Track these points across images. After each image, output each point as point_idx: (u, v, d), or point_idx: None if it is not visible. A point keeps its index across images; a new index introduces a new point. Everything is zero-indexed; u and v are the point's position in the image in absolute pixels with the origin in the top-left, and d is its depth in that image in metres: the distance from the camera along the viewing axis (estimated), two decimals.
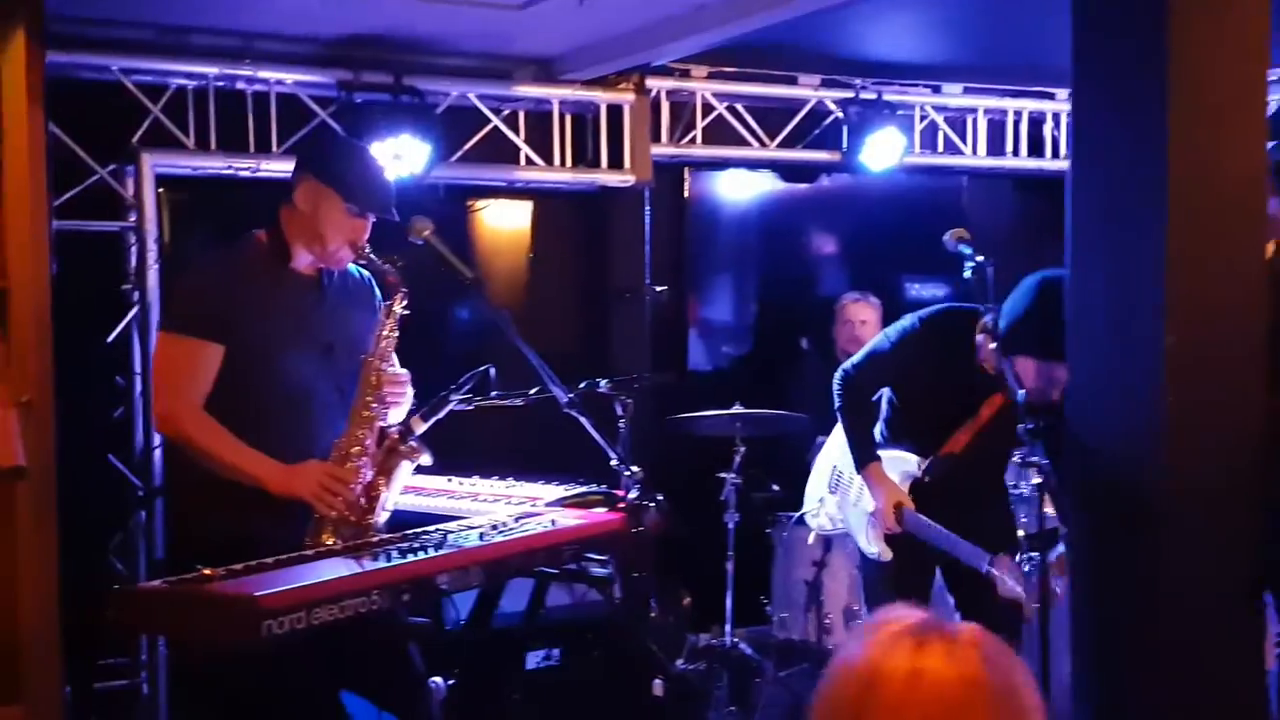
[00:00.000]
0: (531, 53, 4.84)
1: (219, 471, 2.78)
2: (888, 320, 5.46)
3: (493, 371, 3.19)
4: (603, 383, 3.62)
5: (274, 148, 4.47)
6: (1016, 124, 6.05)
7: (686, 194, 5.61)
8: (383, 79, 4.52)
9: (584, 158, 5.16)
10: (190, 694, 3.03)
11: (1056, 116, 6.12)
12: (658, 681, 3.87)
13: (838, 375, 3.58)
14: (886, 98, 5.51)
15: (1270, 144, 2.58)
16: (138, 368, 4.29)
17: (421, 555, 2.63)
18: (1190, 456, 2.44)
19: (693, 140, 5.35)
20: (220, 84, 4.38)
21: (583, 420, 3.02)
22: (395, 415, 2.99)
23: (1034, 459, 2.70)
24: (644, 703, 3.89)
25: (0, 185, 3.47)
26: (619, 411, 3.58)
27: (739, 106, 5.44)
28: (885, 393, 3.65)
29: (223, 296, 2.82)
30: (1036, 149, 6.13)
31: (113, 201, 4.31)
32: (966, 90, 5.88)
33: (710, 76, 5.31)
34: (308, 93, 4.54)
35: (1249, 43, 2.50)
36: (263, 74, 4.40)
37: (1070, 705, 2.69)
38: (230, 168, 4.34)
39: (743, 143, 5.47)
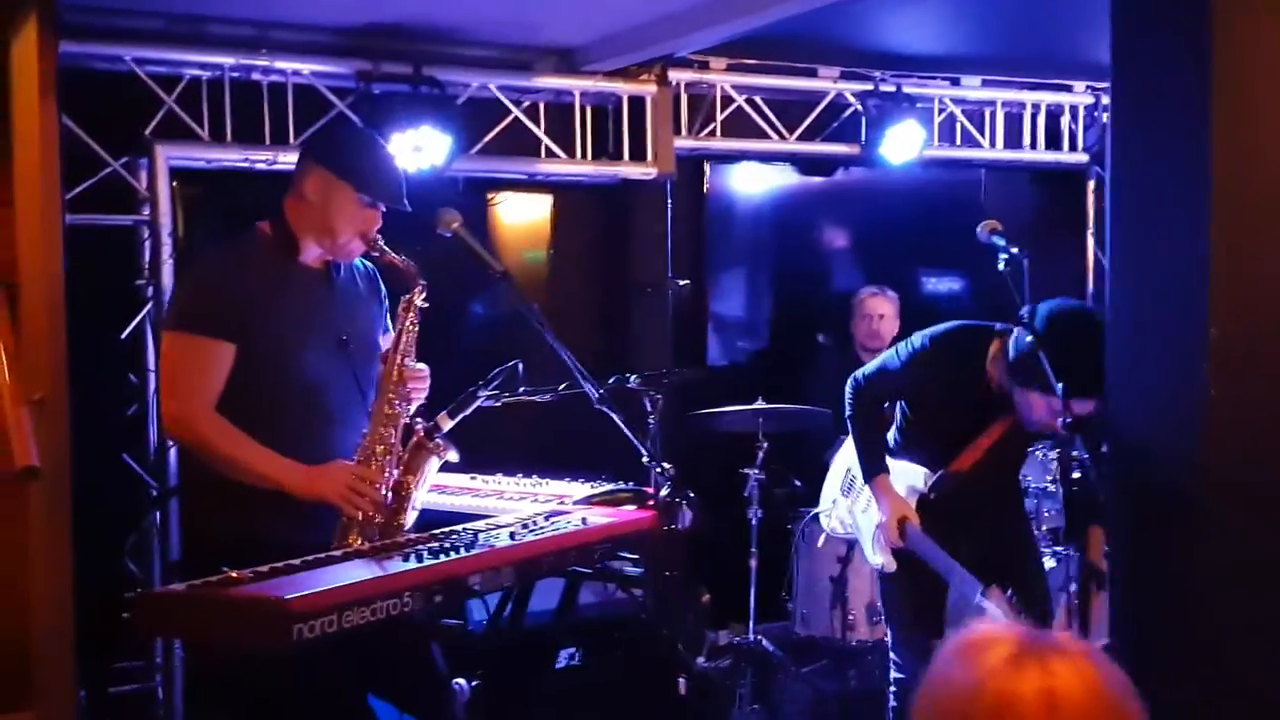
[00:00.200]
0: (552, 43, 4.76)
1: (236, 476, 2.69)
2: (906, 315, 5.46)
3: (520, 367, 3.12)
4: (632, 378, 3.54)
5: (291, 139, 4.38)
6: (1034, 117, 5.99)
7: (706, 187, 5.53)
8: (402, 69, 4.43)
9: (604, 150, 5.07)
10: (210, 699, 2.94)
11: (1074, 109, 6.08)
12: (682, 680, 3.81)
13: (850, 383, 3.54)
14: (906, 90, 5.44)
15: None
16: (151, 364, 4.21)
17: (453, 555, 2.55)
18: (1231, 451, 2.39)
19: (712, 133, 5.26)
20: (235, 75, 4.29)
21: (614, 416, 2.93)
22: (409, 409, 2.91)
23: (1074, 453, 2.63)
24: (668, 702, 3.83)
25: (11, 179, 3.39)
26: (648, 407, 3.49)
27: (758, 99, 5.36)
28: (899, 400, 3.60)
29: (232, 292, 2.72)
30: (1054, 142, 6.07)
31: (125, 195, 4.22)
32: (985, 83, 5.81)
33: (729, 69, 5.23)
34: (325, 84, 4.45)
35: None
36: (279, 64, 4.32)
37: None
38: (246, 160, 4.25)
39: (762, 136, 5.39)
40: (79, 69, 3.98)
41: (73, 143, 3.91)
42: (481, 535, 2.71)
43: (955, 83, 5.76)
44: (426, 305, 2.90)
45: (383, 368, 2.89)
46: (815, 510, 4.65)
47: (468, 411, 3.03)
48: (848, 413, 3.53)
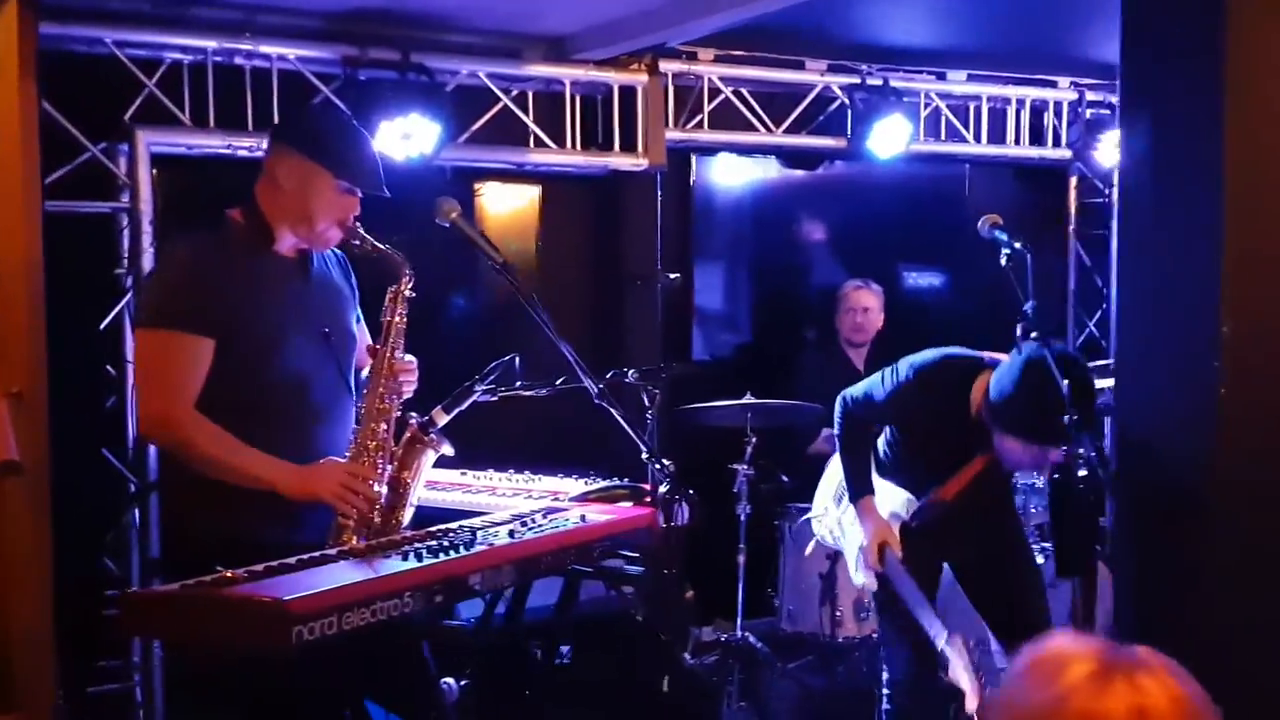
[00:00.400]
0: (543, 31, 4.68)
1: (223, 478, 2.59)
2: (890, 308, 5.44)
3: (517, 361, 3.05)
4: (630, 373, 3.48)
5: None
6: (1018, 112, 5.99)
7: (693, 180, 5.47)
8: (390, 56, 4.33)
9: (593, 141, 5.00)
10: (196, 701, 2.85)
11: (1058, 105, 6.07)
12: (672, 678, 3.77)
13: (839, 402, 3.51)
14: (892, 84, 5.41)
15: None
16: (130, 356, 4.09)
17: (452, 555, 2.48)
18: (1241, 450, 2.38)
19: (699, 124, 5.20)
20: (219, 59, 4.18)
21: (614, 412, 2.86)
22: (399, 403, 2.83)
23: (1079, 450, 2.61)
24: (657, 700, 3.79)
25: None
26: (646, 402, 3.44)
27: (744, 91, 5.31)
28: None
29: (208, 285, 2.60)
30: (1037, 138, 6.07)
31: (104, 181, 4.11)
32: (970, 78, 5.80)
33: (717, 60, 5.18)
34: (311, 69, 4.35)
35: None
36: (264, 49, 4.21)
37: None
38: (229, 146, 4.14)
39: (748, 128, 5.34)
40: (57, 50, 3.86)
41: (49, 126, 3.79)
42: (480, 533, 2.64)
43: (941, 77, 5.75)
44: (414, 294, 2.82)
45: (372, 361, 2.81)
46: (803, 507, 4.64)
47: (463, 406, 2.96)
48: (835, 431, 3.51)
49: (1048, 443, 2.86)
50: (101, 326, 4.13)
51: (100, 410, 4.14)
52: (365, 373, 2.87)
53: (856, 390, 3.46)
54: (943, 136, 5.83)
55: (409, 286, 2.80)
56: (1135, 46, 2.39)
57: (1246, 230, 2.31)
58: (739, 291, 5.98)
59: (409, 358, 2.84)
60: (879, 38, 5.25)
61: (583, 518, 2.85)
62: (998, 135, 5.97)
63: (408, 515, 2.82)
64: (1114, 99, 6.10)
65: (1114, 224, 6.30)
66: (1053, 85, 6.02)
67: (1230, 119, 2.22)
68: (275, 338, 2.67)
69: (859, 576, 3.52)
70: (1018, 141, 6.02)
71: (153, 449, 4.04)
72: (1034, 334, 2.91)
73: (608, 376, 3.36)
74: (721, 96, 5.24)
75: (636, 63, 4.94)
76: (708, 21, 4.34)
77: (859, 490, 3.44)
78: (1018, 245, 2.95)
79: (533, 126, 4.83)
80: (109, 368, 4.15)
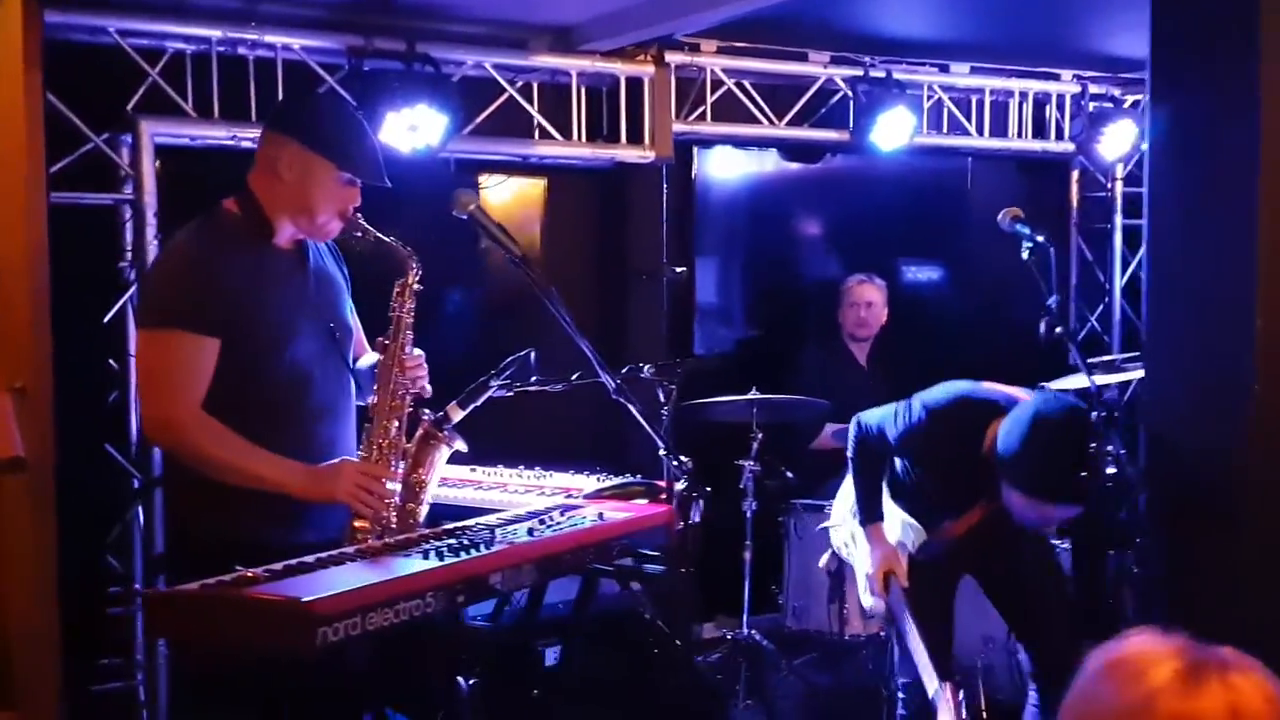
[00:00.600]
0: (549, 21, 4.62)
1: (233, 481, 2.52)
2: (892, 303, 5.40)
3: (533, 356, 3.01)
4: (645, 368, 3.44)
5: None
6: (1021, 105, 5.96)
7: (695, 173, 5.43)
8: (395, 46, 4.28)
9: (598, 133, 4.95)
10: (203, 703, 2.79)
11: (1061, 98, 6.05)
12: (682, 676, 3.75)
13: (853, 425, 3.41)
14: (895, 76, 5.37)
15: None
16: (133, 350, 4.03)
17: (474, 554, 2.44)
18: (1275, 446, 2.33)
19: (701, 117, 5.15)
20: (222, 49, 4.12)
21: (631, 408, 2.83)
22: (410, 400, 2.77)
23: (1108, 448, 2.58)
24: (667, 697, 3.76)
25: None
26: (661, 398, 3.40)
27: (747, 83, 5.26)
28: None
29: (211, 283, 2.53)
30: (1039, 131, 6.05)
31: (106, 172, 4.04)
32: (974, 70, 5.77)
33: (720, 51, 5.13)
34: (315, 59, 4.29)
35: None
36: (268, 38, 4.15)
37: None
38: (234, 137, 4.08)
39: (751, 120, 5.29)
40: (60, 40, 3.80)
41: (52, 117, 3.71)
42: (499, 531, 2.60)
43: (944, 69, 5.71)
44: (421, 287, 2.76)
45: (381, 357, 2.75)
46: (809, 504, 4.64)
47: (479, 402, 2.92)
48: (850, 453, 3.42)
49: (1051, 502, 2.79)
50: (105, 320, 4.07)
51: (103, 405, 4.08)
52: (361, 363, 2.82)
53: (871, 419, 3.36)
54: (945, 130, 5.80)
55: (417, 279, 2.75)
56: (1164, 34, 2.34)
57: None
58: (740, 286, 5.94)
59: (418, 352, 2.79)
60: (882, 29, 5.21)
61: (600, 516, 2.82)
62: (1000, 128, 5.94)
63: (423, 513, 2.78)
64: (1117, 91, 6.08)
65: (1116, 219, 6.30)
66: (1055, 78, 5.99)
67: (1267, 108, 2.18)
68: (281, 335, 2.61)
69: (867, 599, 3.47)
70: (1020, 135, 5.98)
71: None
72: (1058, 329, 2.87)
73: (622, 372, 3.32)
74: (724, 88, 5.19)
75: (643, 53, 4.89)
76: (715, 12, 4.30)
77: (869, 516, 3.37)
78: (1040, 239, 2.90)
79: (538, 117, 4.78)
80: (111, 362, 4.09)
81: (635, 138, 4.94)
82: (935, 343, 5.85)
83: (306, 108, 2.95)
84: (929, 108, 5.68)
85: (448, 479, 3.18)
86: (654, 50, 4.90)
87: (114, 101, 3.99)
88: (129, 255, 4.04)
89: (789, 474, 4.79)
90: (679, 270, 4.97)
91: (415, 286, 2.76)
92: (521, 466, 3.35)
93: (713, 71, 5.14)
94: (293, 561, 2.31)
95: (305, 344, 2.65)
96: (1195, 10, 2.35)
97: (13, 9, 3.14)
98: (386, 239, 2.71)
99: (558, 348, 3.04)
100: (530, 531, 2.63)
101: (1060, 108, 6.08)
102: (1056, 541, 3.99)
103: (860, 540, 3.47)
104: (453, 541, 2.49)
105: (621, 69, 4.87)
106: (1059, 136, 6.09)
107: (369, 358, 2.85)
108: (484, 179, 4.90)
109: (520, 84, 4.74)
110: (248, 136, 4.09)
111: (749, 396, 4.52)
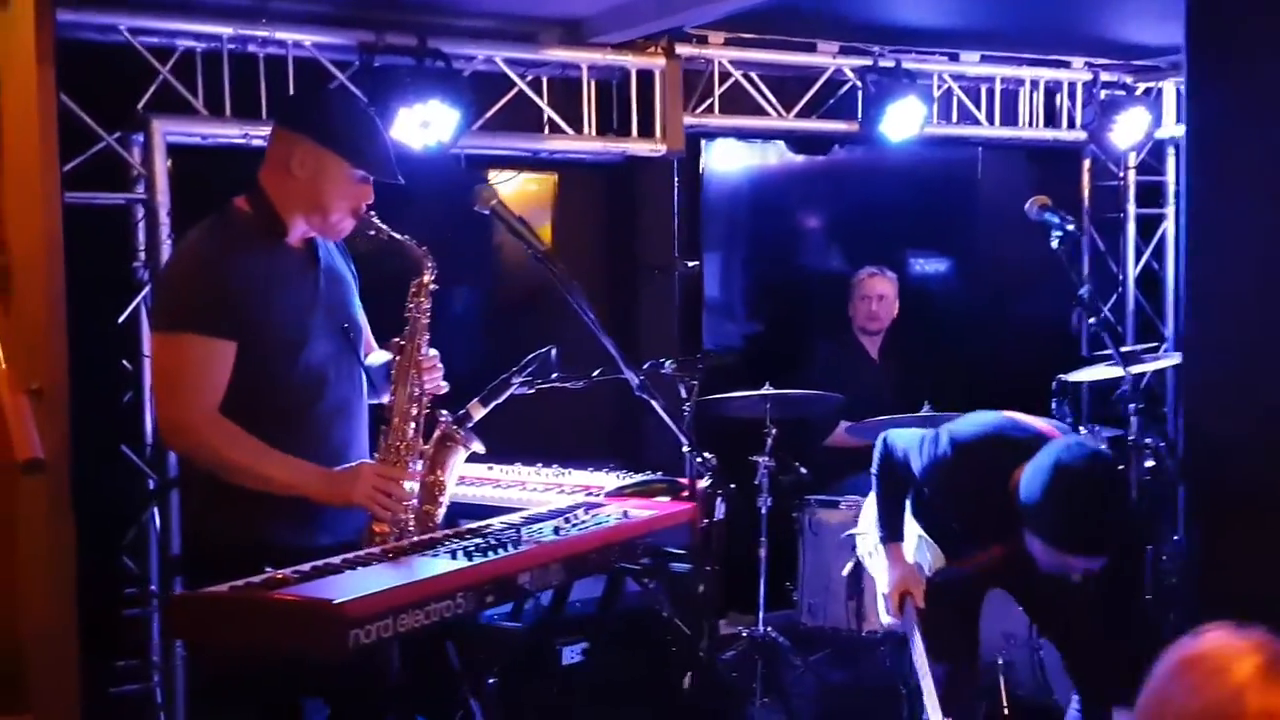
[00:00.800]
0: (559, 14, 4.59)
1: (250, 484, 2.50)
2: (903, 295, 5.36)
3: (554, 353, 2.99)
4: (667, 363, 3.42)
5: None
6: (1032, 94, 5.92)
7: (703, 166, 5.40)
8: (406, 41, 4.24)
9: (608, 127, 4.92)
10: (218, 705, 2.77)
11: (1072, 86, 6.01)
12: (698, 674, 3.73)
13: (880, 442, 3.35)
14: (905, 66, 5.33)
15: None
16: (147, 350, 4.01)
17: (501, 553, 2.42)
18: None
19: (709, 109, 5.12)
20: (233, 46, 4.09)
21: (655, 404, 2.80)
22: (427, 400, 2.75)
23: (1146, 440, 2.55)
24: (684, 696, 3.74)
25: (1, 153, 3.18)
26: (683, 394, 3.37)
27: (754, 75, 5.23)
28: None
29: (226, 284, 2.51)
30: (1050, 120, 6.01)
31: (117, 171, 4.02)
32: (984, 59, 5.73)
33: (728, 43, 5.09)
34: (327, 56, 4.26)
35: None
36: (279, 35, 4.12)
37: None
38: (245, 136, 4.05)
39: (759, 112, 5.26)
40: (71, 38, 3.76)
41: (64, 116, 3.67)
42: (524, 531, 2.59)
43: (954, 58, 5.67)
44: (437, 286, 2.74)
45: (398, 358, 2.72)
46: (823, 499, 4.62)
47: (500, 399, 2.90)
48: (874, 469, 3.36)
49: (1071, 554, 2.74)
50: (119, 321, 4.04)
51: (117, 406, 4.05)
52: (371, 360, 2.79)
53: (898, 443, 3.29)
54: (954, 119, 5.76)
55: (432, 279, 2.73)
56: (1200, 23, 2.31)
57: None
58: (747, 280, 5.91)
59: (434, 352, 2.77)
60: (891, 18, 5.17)
61: (625, 514, 2.80)
62: (1010, 117, 5.90)
63: (441, 515, 2.76)
64: (1129, 79, 6.05)
65: (1129, 208, 6.27)
66: (1066, 66, 5.95)
67: None
68: (296, 337, 2.58)
69: (884, 616, 3.45)
70: (1031, 124, 5.94)
71: None
72: (1091, 319, 2.81)
73: (644, 367, 3.29)
74: (732, 80, 5.16)
75: (653, 46, 4.86)
76: (726, 2, 4.26)
77: (889, 534, 3.33)
78: (1070, 227, 2.86)
79: (549, 111, 4.74)
80: (125, 363, 4.06)
81: (645, 131, 4.91)
82: (946, 335, 5.83)
83: (319, 104, 2.91)
84: (938, 97, 5.65)
85: (465, 477, 3.15)
86: (664, 42, 4.86)
87: (125, 100, 3.97)
88: (142, 255, 4.02)
89: (803, 470, 4.76)
90: (691, 265, 4.93)
91: (431, 286, 2.73)
92: (539, 464, 3.33)
93: (720, 63, 5.11)
94: (319, 562, 2.29)
95: (319, 345, 2.62)
96: (1234, 13, 2.32)
97: (25, 7, 3.11)
98: (401, 238, 2.69)
99: (573, 344, 3.02)
100: (556, 530, 2.62)
101: (1071, 96, 6.04)
102: None
103: (881, 555, 3.44)
104: (479, 541, 2.48)
105: (633, 61, 4.83)
106: (1070, 125, 6.05)
107: (379, 355, 2.83)
108: (494, 174, 4.86)
109: (530, 78, 4.71)
110: (259, 134, 4.06)
111: (763, 392, 4.49)
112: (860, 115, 5.31)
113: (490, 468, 3.33)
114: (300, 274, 2.64)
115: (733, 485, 2.84)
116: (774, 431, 4.49)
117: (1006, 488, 2.90)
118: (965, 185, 6.17)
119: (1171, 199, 6.29)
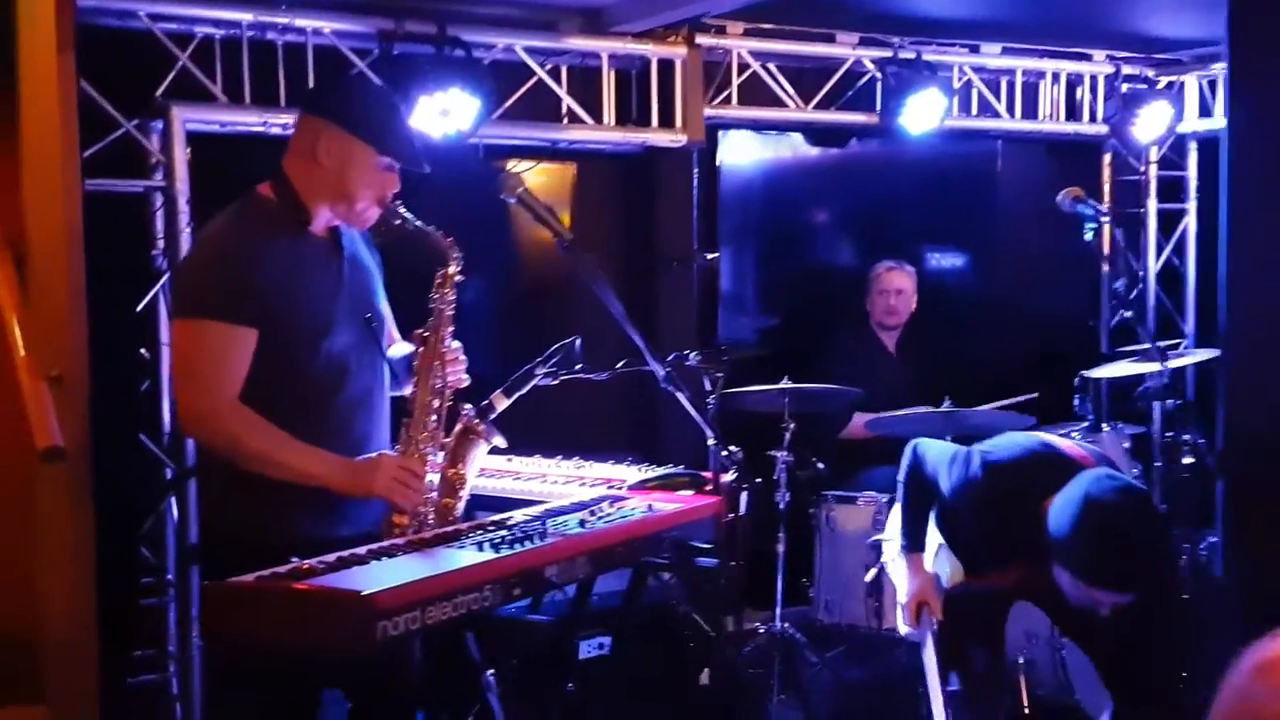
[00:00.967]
0: (579, 2, 4.55)
1: (270, 474, 2.47)
2: (921, 289, 5.32)
3: (578, 344, 2.96)
4: (692, 355, 3.38)
5: None
6: (1053, 86, 5.88)
7: (719, 158, 5.36)
8: (426, 29, 4.21)
9: (627, 117, 4.88)
10: (236, 696, 2.74)
11: (1093, 79, 5.96)
12: (713, 670, 3.71)
13: (909, 451, 3.30)
14: (925, 57, 5.28)
15: None
16: (165, 338, 3.99)
17: (528, 545, 2.39)
18: None
19: (727, 100, 5.07)
20: (253, 33, 4.06)
21: (680, 397, 2.77)
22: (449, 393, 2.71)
23: (1185, 438, 2.51)
24: (700, 691, 3.72)
25: (19, 140, 3.16)
26: (708, 386, 3.34)
27: (772, 66, 5.19)
28: None
29: (247, 272, 2.47)
30: (1071, 112, 5.96)
31: (136, 159, 3.99)
32: (1005, 50, 5.68)
33: (746, 33, 5.05)
34: (346, 44, 4.23)
35: None
36: (299, 22, 4.09)
37: None
38: (265, 123, 4.03)
39: (777, 103, 5.21)
40: (89, 25, 3.73)
41: (83, 103, 3.65)
42: (550, 523, 2.56)
43: (974, 50, 5.62)
44: (462, 277, 2.71)
45: (422, 350, 2.69)
46: (841, 495, 4.58)
47: (524, 390, 2.88)
48: (901, 477, 3.31)
49: (1099, 588, 2.70)
50: (137, 309, 4.02)
51: (135, 395, 4.03)
52: (393, 352, 2.77)
53: (928, 456, 3.23)
54: (974, 111, 5.72)
55: (458, 270, 2.69)
56: (1243, 14, 2.27)
57: None
58: (761, 274, 5.86)
59: (455, 344, 2.74)
60: (912, 9, 5.13)
61: (650, 507, 2.77)
62: (1031, 110, 5.86)
63: (461, 508, 2.73)
64: (1151, 72, 6.00)
65: (1150, 203, 6.22)
66: (1088, 58, 5.91)
67: None
68: (319, 326, 2.55)
69: (902, 626, 3.41)
70: (1052, 116, 5.90)
71: None
72: (1127, 313, 2.79)
73: (668, 360, 3.26)
74: (750, 71, 5.12)
75: (674, 35, 4.82)
76: None
77: (910, 544, 3.30)
78: (1104, 219, 2.80)
79: (568, 100, 4.71)
80: (144, 351, 4.04)
81: (665, 121, 4.87)
82: (964, 330, 5.78)
83: (346, 91, 2.87)
84: (958, 89, 5.61)
85: (485, 469, 3.12)
86: (685, 32, 4.82)
87: (144, 87, 3.94)
88: (161, 243, 3.99)
89: (820, 465, 4.73)
90: (711, 257, 4.89)
91: (457, 278, 2.70)
92: (559, 457, 3.30)
93: (739, 54, 5.07)
94: (345, 553, 2.27)
95: (342, 335, 2.59)
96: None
97: None
98: (426, 228, 2.65)
99: (594, 335, 2.99)
100: (581, 523, 2.59)
101: (1093, 89, 6.00)
102: None
103: (903, 563, 3.40)
104: (505, 533, 2.45)
105: (653, 51, 4.80)
106: (1091, 118, 6.00)
107: (400, 347, 2.80)
108: (512, 164, 4.83)
109: (549, 67, 4.67)
110: (278, 122, 4.04)
111: (781, 385, 4.46)
112: (879, 107, 5.27)
113: (510, 459, 3.30)
114: (324, 263, 2.61)
115: (758, 480, 2.80)
116: (792, 426, 4.45)
117: (1035, 515, 2.85)
118: (984, 179, 6.11)
119: (1193, 195, 6.24)
